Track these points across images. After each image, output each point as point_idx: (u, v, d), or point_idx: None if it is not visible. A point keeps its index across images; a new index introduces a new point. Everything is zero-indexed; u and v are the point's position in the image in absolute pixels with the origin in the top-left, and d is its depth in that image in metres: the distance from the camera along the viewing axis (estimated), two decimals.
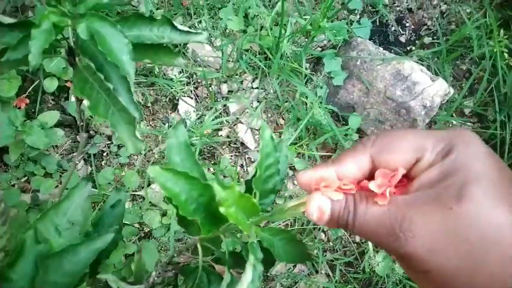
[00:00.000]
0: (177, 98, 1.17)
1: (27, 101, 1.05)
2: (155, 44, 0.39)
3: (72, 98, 1.08)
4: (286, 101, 1.20)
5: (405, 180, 0.29)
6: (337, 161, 0.30)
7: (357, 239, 1.16)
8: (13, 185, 1.02)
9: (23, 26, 0.36)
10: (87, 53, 0.39)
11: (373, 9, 1.36)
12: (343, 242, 1.15)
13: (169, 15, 1.18)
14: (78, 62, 0.40)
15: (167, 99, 1.18)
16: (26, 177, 1.04)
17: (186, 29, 0.38)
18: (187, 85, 1.18)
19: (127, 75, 0.36)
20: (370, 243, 1.11)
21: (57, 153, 1.08)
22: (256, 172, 0.37)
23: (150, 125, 1.16)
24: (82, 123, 0.56)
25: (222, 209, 0.31)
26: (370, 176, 0.30)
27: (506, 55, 1.25)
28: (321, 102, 1.17)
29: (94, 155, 1.09)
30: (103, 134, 1.11)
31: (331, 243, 1.15)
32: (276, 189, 0.39)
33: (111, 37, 0.35)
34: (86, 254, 0.41)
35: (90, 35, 0.35)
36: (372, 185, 0.28)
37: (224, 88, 1.20)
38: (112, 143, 1.11)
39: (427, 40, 1.35)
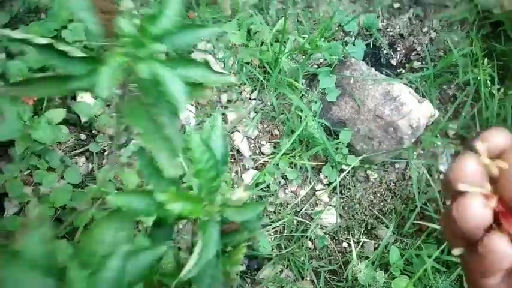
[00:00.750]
0: None
1: (35, 97, 1.09)
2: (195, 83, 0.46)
3: (79, 98, 1.13)
4: (282, 113, 1.26)
5: None
6: None
7: (342, 247, 1.21)
8: (15, 177, 1.06)
9: (91, 61, 0.42)
10: (141, 87, 0.45)
11: (368, 33, 1.44)
12: (328, 250, 1.20)
13: None
14: (129, 92, 0.46)
15: None
16: (29, 171, 1.08)
17: (220, 70, 0.45)
18: None
19: (178, 111, 0.44)
20: (354, 254, 1.16)
21: (60, 149, 1.13)
22: (196, 166, 0.47)
23: None
24: None
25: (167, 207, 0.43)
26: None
27: (489, 83, 1.33)
28: (314, 116, 1.24)
29: (96, 153, 1.13)
30: (105, 133, 1.16)
31: (317, 252, 1.20)
32: (220, 173, 0.49)
33: (170, 80, 0.42)
34: None
35: (150, 75, 0.41)
36: None
37: (224, 97, 1.26)
38: (113, 142, 1.16)
39: (416, 64, 1.43)
